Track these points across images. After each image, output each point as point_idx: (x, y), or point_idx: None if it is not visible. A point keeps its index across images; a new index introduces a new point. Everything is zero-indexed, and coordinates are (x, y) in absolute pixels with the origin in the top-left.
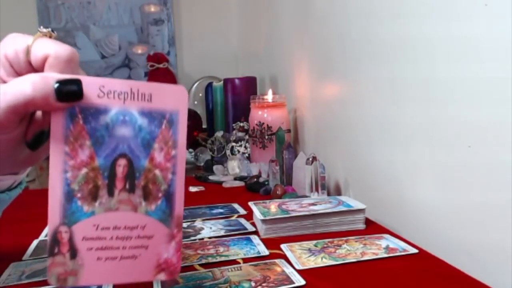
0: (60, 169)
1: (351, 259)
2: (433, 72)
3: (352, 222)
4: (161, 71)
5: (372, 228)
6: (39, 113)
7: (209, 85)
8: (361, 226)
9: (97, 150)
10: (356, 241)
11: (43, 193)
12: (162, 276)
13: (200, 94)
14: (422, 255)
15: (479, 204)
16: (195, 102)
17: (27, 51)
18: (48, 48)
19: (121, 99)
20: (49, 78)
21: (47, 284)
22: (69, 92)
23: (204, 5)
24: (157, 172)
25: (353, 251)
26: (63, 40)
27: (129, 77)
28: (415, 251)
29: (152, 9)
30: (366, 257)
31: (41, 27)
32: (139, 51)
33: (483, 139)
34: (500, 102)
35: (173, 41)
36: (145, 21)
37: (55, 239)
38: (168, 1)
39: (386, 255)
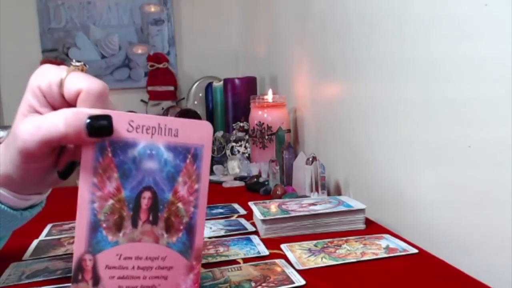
0: (88, 199)
1: (351, 259)
2: (433, 73)
3: (352, 222)
4: (161, 71)
5: (372, 228)
6: (71, 145)
7: (209, 85)
8: (361, 226)
9: (124, 182)
10: (356, 241)
11: None
12: None
13: (200, 94)
14: (422, 255)
15: (479, 204)
16: (195, 102)
17: (61, 84)
18: (81, 83)
19: (149, 133)
20: (81, 114)
21: (47, 284)
22: (100, 128)
23: (204, 5)
24: (180, 205)
25: (353, 251)
26: (63, 40)
27: (129, 77)
28: (415, 251)
29: (152, 9)
30: (366, 257)
31: (74, 60)
32: (139, 51)
33: (483, 139)
34: (500, 102)
35: (173, 41)
36: (145, 21)
37: (80, 266)
38: (168, 1)
39: (386, 255)
